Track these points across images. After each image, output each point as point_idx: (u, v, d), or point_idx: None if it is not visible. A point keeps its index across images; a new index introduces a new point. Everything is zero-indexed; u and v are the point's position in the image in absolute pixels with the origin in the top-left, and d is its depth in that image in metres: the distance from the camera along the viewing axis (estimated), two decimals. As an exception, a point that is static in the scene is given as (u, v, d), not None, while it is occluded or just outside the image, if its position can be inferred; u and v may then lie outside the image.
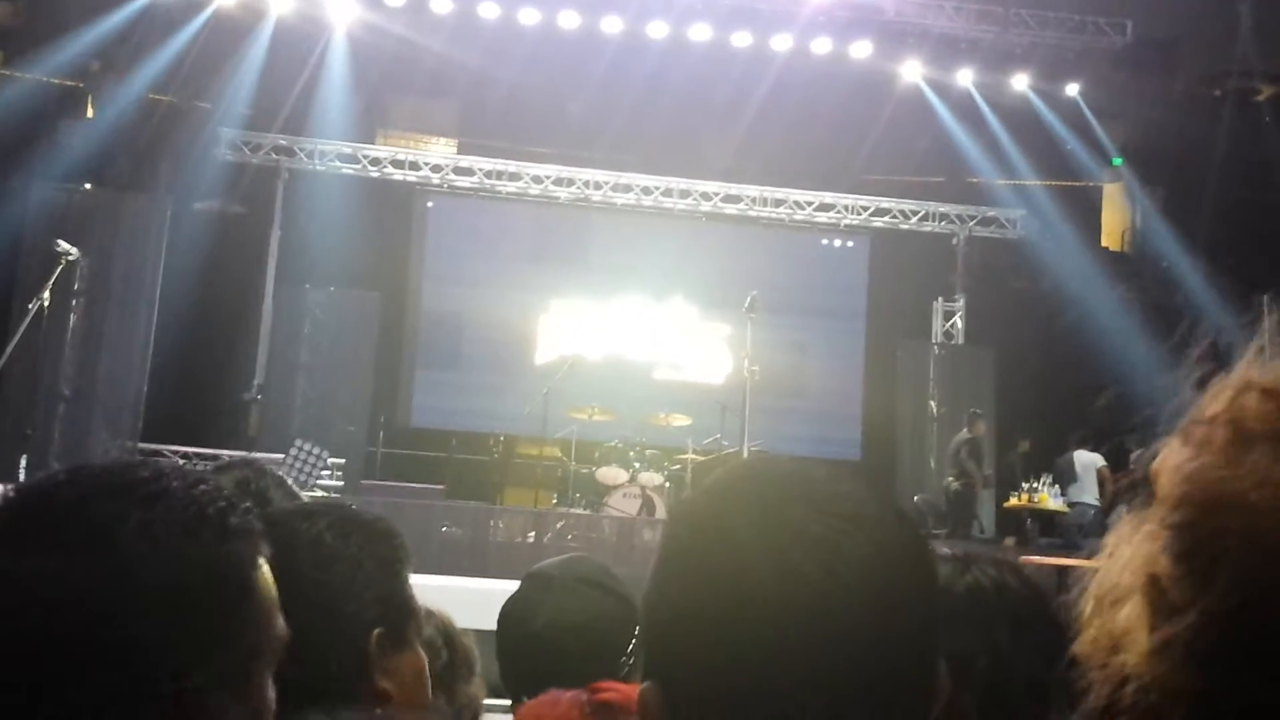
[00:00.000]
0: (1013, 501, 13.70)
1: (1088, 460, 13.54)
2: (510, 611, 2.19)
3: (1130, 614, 0.80)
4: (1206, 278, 15.09)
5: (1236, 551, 0.74)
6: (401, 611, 1.69)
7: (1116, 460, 13.58)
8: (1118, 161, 15.84)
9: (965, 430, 13.47)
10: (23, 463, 10.06)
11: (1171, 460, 0.81)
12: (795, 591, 0.89)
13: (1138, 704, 0.77)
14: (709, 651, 0.91)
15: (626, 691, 1.93)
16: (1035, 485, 13.33)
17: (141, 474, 1.06)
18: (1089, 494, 13.33)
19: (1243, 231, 15.25)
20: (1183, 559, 0.77)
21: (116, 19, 13.83)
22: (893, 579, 0.92)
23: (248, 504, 1.11)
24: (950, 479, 13.46)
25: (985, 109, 15.27)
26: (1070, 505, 13.19)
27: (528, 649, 2.14)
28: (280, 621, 1.11)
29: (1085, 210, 15.99)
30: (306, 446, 11.55)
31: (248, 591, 1.07)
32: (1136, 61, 15.24)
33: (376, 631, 1.62)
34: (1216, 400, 0.81)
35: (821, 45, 14.80)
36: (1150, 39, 15.54)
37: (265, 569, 1.10)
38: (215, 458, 12.55)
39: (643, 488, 12.25)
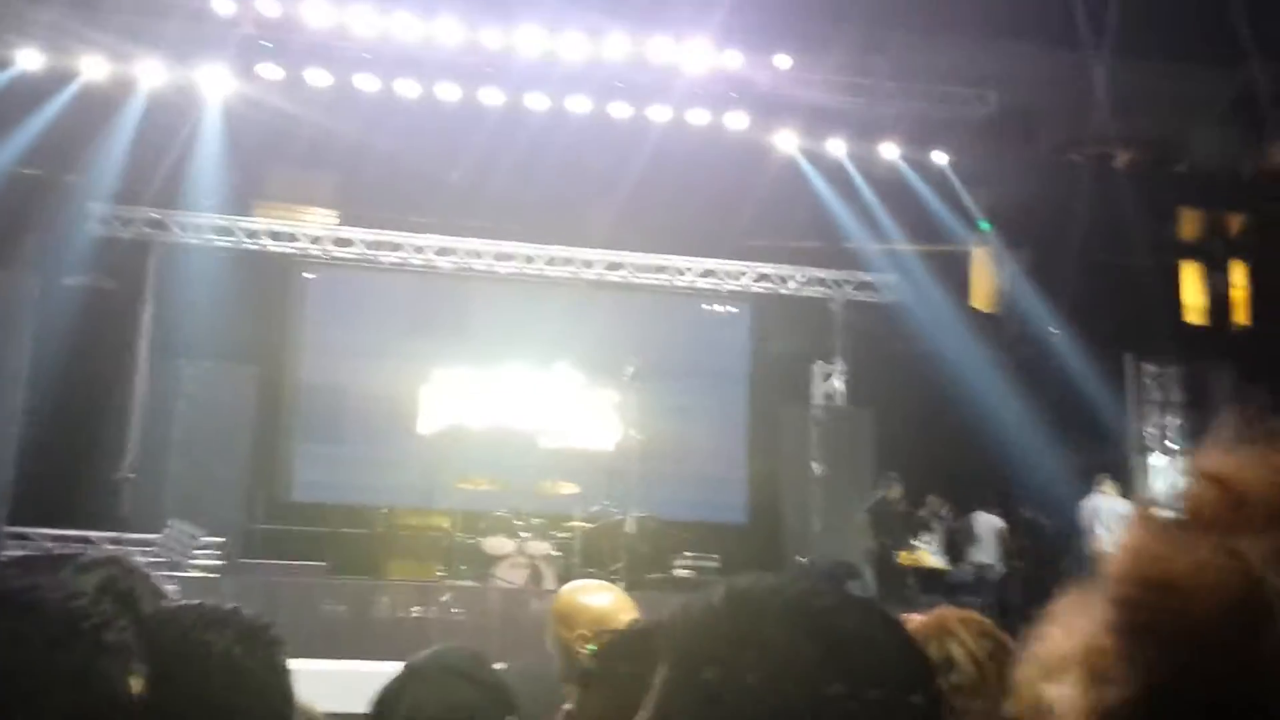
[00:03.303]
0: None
1: (988, 522, 13.89)
2: (375, 705, 2.21)
3: (1070, 682, 0.83)
4: (1073, 338, 15.65)
5: (1169, 631, 0.77)
6: (288, 715, 1.66)
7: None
8: (985, 226, 16.38)
9: (880, 493, 13.60)
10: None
11: (1126, 539, 0.84)
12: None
13: None
14: None
15: None
16: (916, 544, 13.60)
17: (16, 583, 1.05)
18: (990, 555, 13.66)
19: (1104, 293, 15.86)
20: (1121, 633, 0.80)
21: (-20, 91, 13.51)
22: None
23: (123, 621, 1.10)
24: (873, 541, 13.52)
25: (857, 177, 15.70)
26: (978, 566, 13.49)
27: None
28: None
29: (956, 273, 16.48)
30: (181, 527, 11.26)
31: (116, 706, 1.05)
32: (1000, 130, 15.85)
33: None
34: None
35: (698, 116, 15.10)
36: (1012, 108, 16.18)
37: (137, 683, 1.08)
38: (85, 540, 12.13)
39: (530, 557, 12.17)
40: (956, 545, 14.09)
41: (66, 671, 1.01)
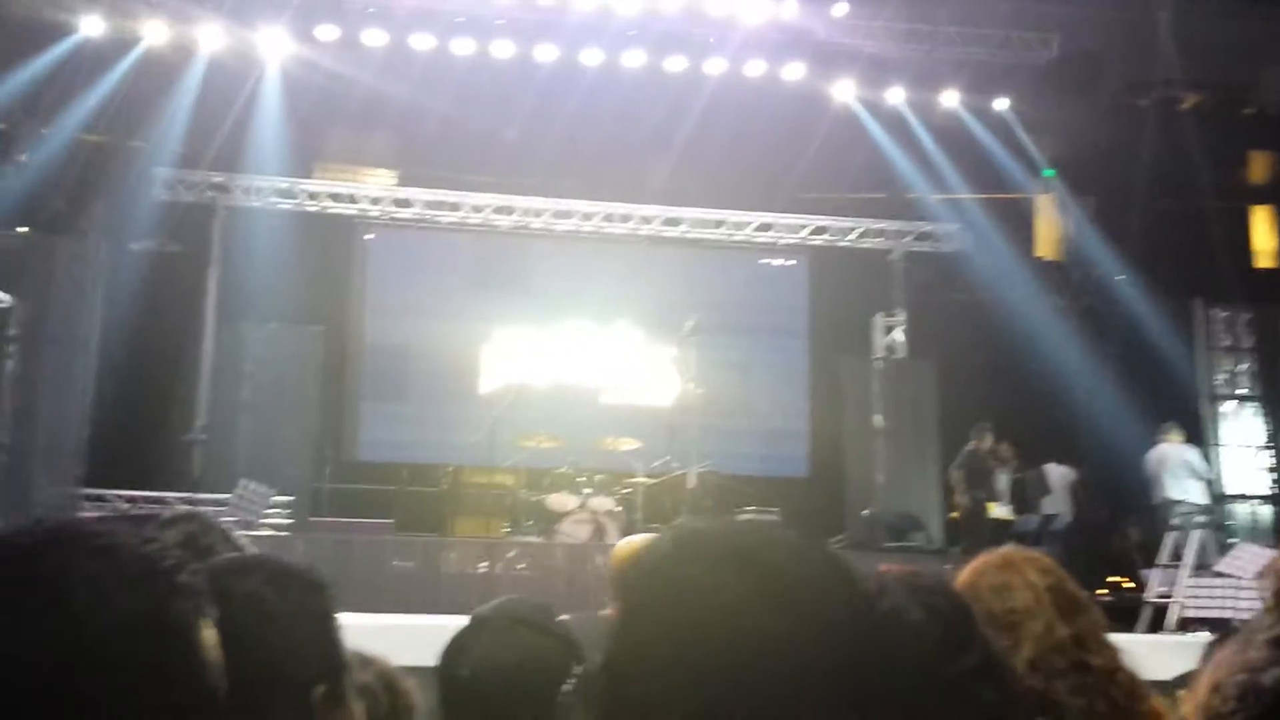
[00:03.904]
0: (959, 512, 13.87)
1: (1060, 474, 13.77)
2: (444, 656, 2.24)
3: None
4: (1139, 284, 15.39)
5: None
6: (337, 667, 1.69)
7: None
8: (1049, 173, 16.11)
9: (972, 443, 13.46)
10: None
11: None
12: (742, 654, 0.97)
13: None
14: (670, 698, 0.98)
15: None
16: (981, 495, 13.52)
17: (92, 528, 1.08)
18: (1060, 505, 13.56)
19: (1172, 239, 15.57)
20: None
21: (45, 60, 13.68)
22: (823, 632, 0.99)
23: (195, 563, 1.13)
24: (960, 495, 13.43)
25: (917, 126, 15.49)
26: (1046, 517, 13.39)
27: (459, 692, 2.18)
28: (222, 680, 1.12)
29: (1019, 222, 16.25)
30: (252, 486, 11.45)
31: (193, 649, 1.08)
32: (1063, 75, 15.53)
33: (319, 689, 1.63)
34: None
35: (755, 68, 14.96)
36: (1075, 53, 15.84)
37: (209, 627, 1.12)
38: (160, 501, 12.42)
39: (593, 513, 12.24)
40: (1025, 496, 13.97)
41: (141, 612, 1.04)
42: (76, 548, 1.05)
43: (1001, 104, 15.50)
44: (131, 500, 12.69)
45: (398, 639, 2.85)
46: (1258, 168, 18.29)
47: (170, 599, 1.07)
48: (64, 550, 1.04)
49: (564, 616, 2.54)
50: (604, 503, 12.39)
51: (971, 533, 13.02)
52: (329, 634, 1.68)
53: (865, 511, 14.52)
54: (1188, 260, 15.49)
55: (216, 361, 14.51)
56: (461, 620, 2.33)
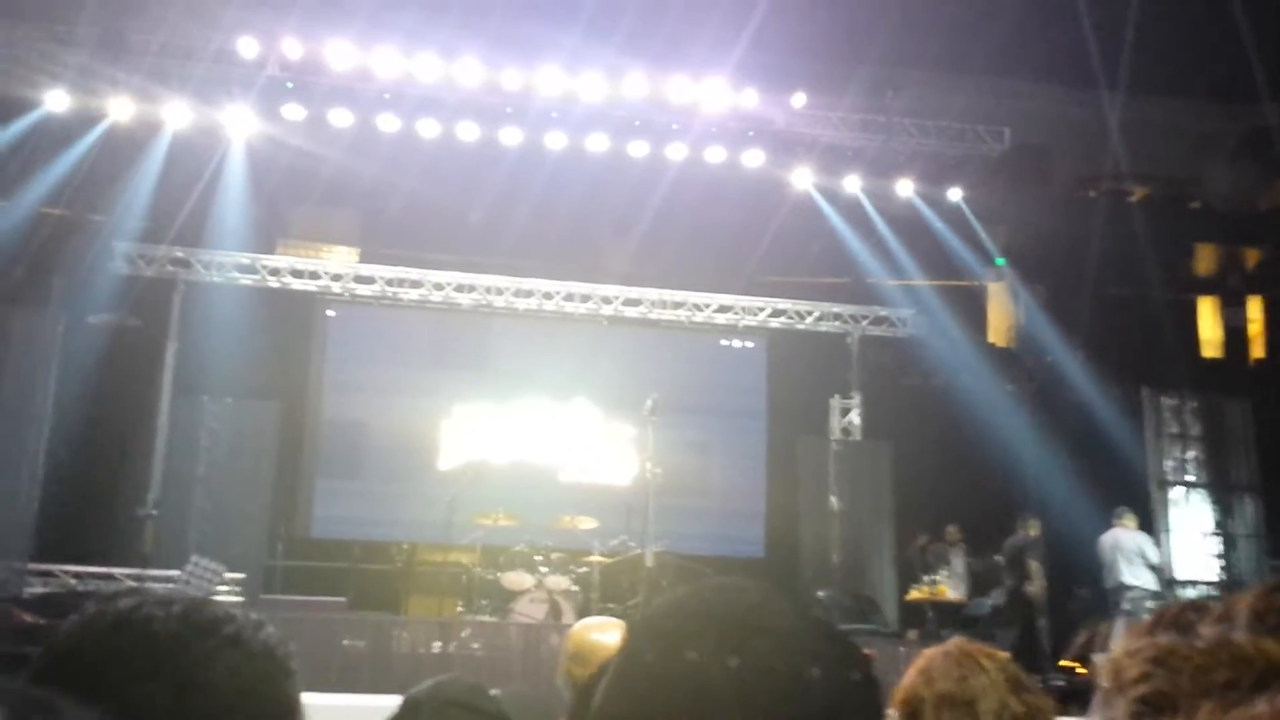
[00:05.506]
0: (914, 594, 13.94)
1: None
2: None
3: None
4: (1089, 371, 15.68)
5: None
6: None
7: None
8: (1001, 261, 16.45)
9: (1021, 531, 13.31)
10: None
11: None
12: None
13: None
14: None
15: None
16: (935, 578, 13.60)
17: (213, 612, 1.16)
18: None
19: (1121, 327, 15.90)
20: None
21: (9, 133, 13.74)
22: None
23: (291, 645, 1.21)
24: (1011, 581, 13.26)
25: (873, 213, 15.82)
26: (996, 604, 13.42)
27: None
28: None
29: (972, 308, 16.54)
30: (203, 563, 11.36)
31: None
32: (1014, 167, 15.96)
33: None
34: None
35: (715, 154, 15.27)
36: (1027, 145, 16.29)
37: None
38: (108, 577, 12.26)
39: (549, 592, 12.20)
40: (978, 580, 14.08)
41: (270, 695, 1.14)
42: (211, 637, 1.13)
43: (955, 194, 15.84)
44: (79, 576, 12.52)
45: (346, 719, 2.87)
46: (1203, 259, 18.76)
47: (287, 682, 1.15)
48: (202, 640, 1.12)
49: (495, 691, 2.53)
50: (560, 582, 12.36)
51: (1024, 618, 12.94)
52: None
53: (821, 593, 14.55)
54: (1136, 348, 15.83)
55: (171, 436, 14.40)
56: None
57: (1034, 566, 13.03)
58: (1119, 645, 0.84)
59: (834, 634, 1.12)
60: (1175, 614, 0.81)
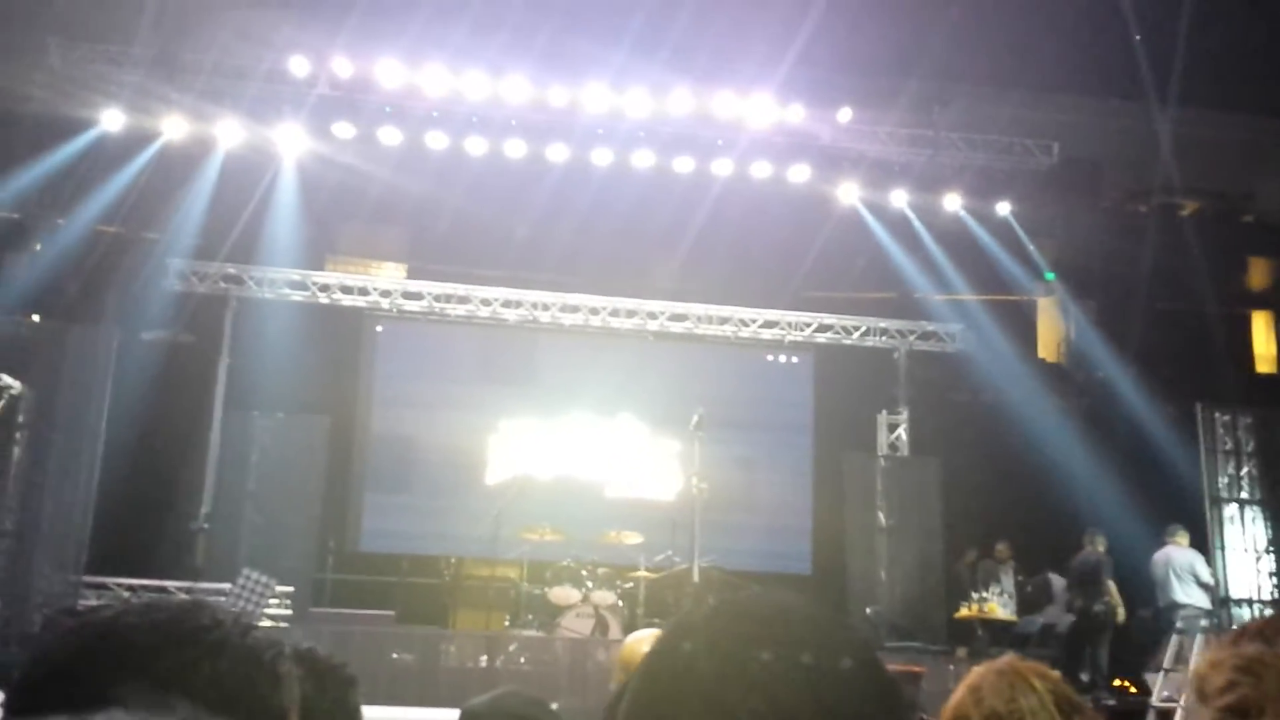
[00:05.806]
0: (963, 612, 13.81)
1: (1062, 582, 13.69)
2: None
3: None
4: (1140, 386, 15.50)
5: None
6: None
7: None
8: (1050, 276, 16.32)
9: (1090, 548, 13.06)
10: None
11: None
12: None
13: None
14: None
15: None
16: (984, 595, 13.48)
17: (202, 620, 1.17)
18: (1063, 617, 13.47)
19: (1172, 342, 15.72)
20: None
21: (65, 152, 14.00)
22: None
23: (286, 649, 1.22)
24: (1081, 601, 13.00)
25: (920, 228, 15.75)
26: (1047, 622, 13.28)
27: None
28: None
29: (1021, 323, 16.41)
30: (254, 576, 11.45)
31: None
32: (1063, 181, 15.84)
33: None
34: None
35: (761, 169, 15.28)
36: (1076, 159, 16.16)
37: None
38: (161, 589, 12.39)
39: (595, 607, 12.21)
40: (1028, 599, 13.93)
41: (256, 711, 1.14)
42: (191, 646, 1.15)
43: (1003, 208, 15.75)
44: (132, 589, 12.67)
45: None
46: (1257, 274, 18.52)
47: (275, 690, 1.17)
48: (180, 649, 1.14)
49: (554, 705, 2.52)
50: (606, 597, 12.36)
51: (1097, 637, 12.77)
52: None
53: (869, 610, 14.46)
54: (1188, 363, 15.63)
55: (223, 451, 14.57)
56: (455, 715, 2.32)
57: (1111, 585, 12.84)
58: (1198, 659, 0.85)
59: (868, 639, 1.13)
60: (1260, 626, 0.82)
